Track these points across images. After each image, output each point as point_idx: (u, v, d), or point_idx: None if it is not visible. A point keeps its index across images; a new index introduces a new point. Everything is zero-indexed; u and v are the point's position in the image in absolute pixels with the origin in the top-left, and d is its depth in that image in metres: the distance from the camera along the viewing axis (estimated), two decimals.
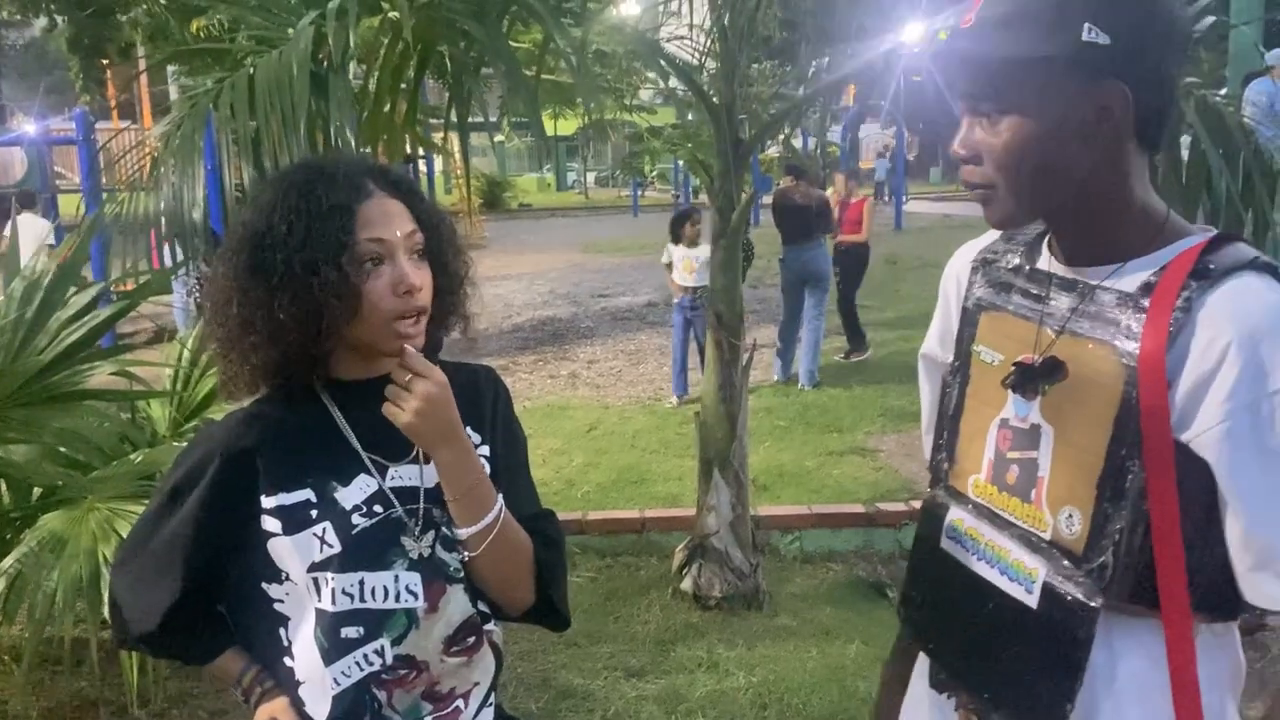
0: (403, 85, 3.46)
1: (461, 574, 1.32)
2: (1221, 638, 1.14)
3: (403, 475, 1.32)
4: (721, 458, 4.01)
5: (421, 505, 1.31)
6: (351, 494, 1.29)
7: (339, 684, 1.29)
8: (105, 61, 20.82)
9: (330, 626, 1.28)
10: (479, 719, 1.38)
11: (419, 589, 1.29)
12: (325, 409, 1.32)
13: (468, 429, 1.32)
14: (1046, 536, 1.16)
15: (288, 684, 1.34)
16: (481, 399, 1.41)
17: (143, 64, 17.47)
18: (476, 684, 1.37)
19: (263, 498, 1.29)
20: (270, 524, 1.29)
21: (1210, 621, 1.11)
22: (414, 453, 1.32)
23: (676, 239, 7.38)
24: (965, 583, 1.25)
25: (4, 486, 3.20)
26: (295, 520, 1.28)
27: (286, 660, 1.34)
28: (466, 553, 1.31)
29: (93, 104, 19.46)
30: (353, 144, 2.75)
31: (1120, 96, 1.08)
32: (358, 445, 1.31)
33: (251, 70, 2.81)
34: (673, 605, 4.03)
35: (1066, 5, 1.07)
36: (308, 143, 2.62)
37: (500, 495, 1.32)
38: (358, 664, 1.29)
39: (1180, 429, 1.06)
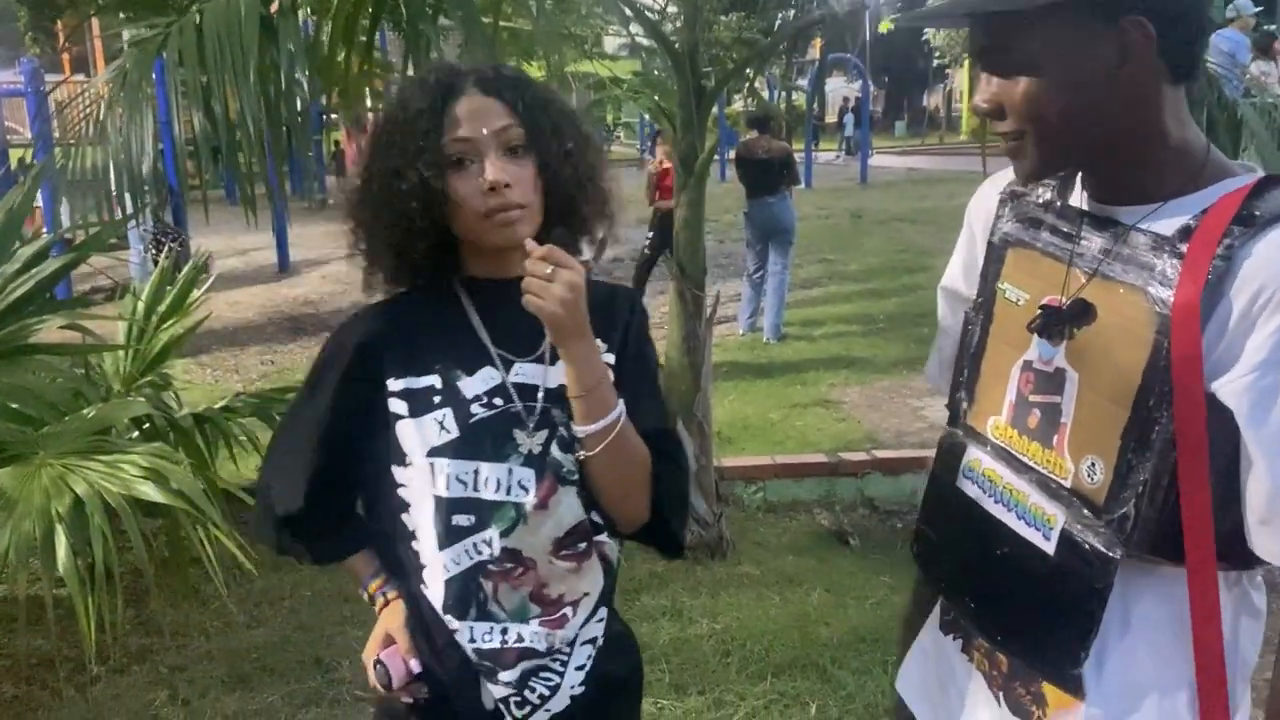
0: (361, 37, 3.39)
1: (576, 477, 1.33)
2: (1238, 588, 1.12)
3: (526, 373, 1.35)
4: (685, 409, 4.00)
5: (540, 403, 1.34)
6: (474, 384, 1.33)
7: (449, 570, 1.33)
8: (53, 13, 20.25)
9: (444, 513, 1.32)
10: (585, 630, 1.39)
11: (531, 485, 1.31)
12: (459, 304, 1.36)
13: (596, 340, 1.32)
14: (1067, 484, 1.13)
15: (412, 570, 1.37)
16: (615, 314, 1.41)
17: (92, 13, 17.05)
18: (585, 594, 1.38)
19: (390, 380, 1.33)
20: (397, 406, 1.33)
21: (1227, 571, 1.09)
22: (538, 352, 1.35)
23: None
24: (980, 524, 1.22)
25: None
26: (419, 404, 1.32)
27: (413, 544, 1.37)
28: (584, 452, 1.30)
29: (42, 56, 18.95)
30: (305, 92, 2.68)
31: (1141, 33, 1.03)
32: (486, 339, 1.35)
33: (198, 16, 2.72)
34: (638, 554, 4.03)
35: None
36: (259, 90, 2.55)
37: (620, 405, 1.31)
38: (466, 552, 1.32)
39: (1210, 378, 1.02)
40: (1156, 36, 1.04)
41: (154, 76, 3.03)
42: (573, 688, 1.39)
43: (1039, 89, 1.06)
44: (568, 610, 1.37)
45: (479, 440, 1.31)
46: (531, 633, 1.34)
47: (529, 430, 1.32)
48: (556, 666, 1.37)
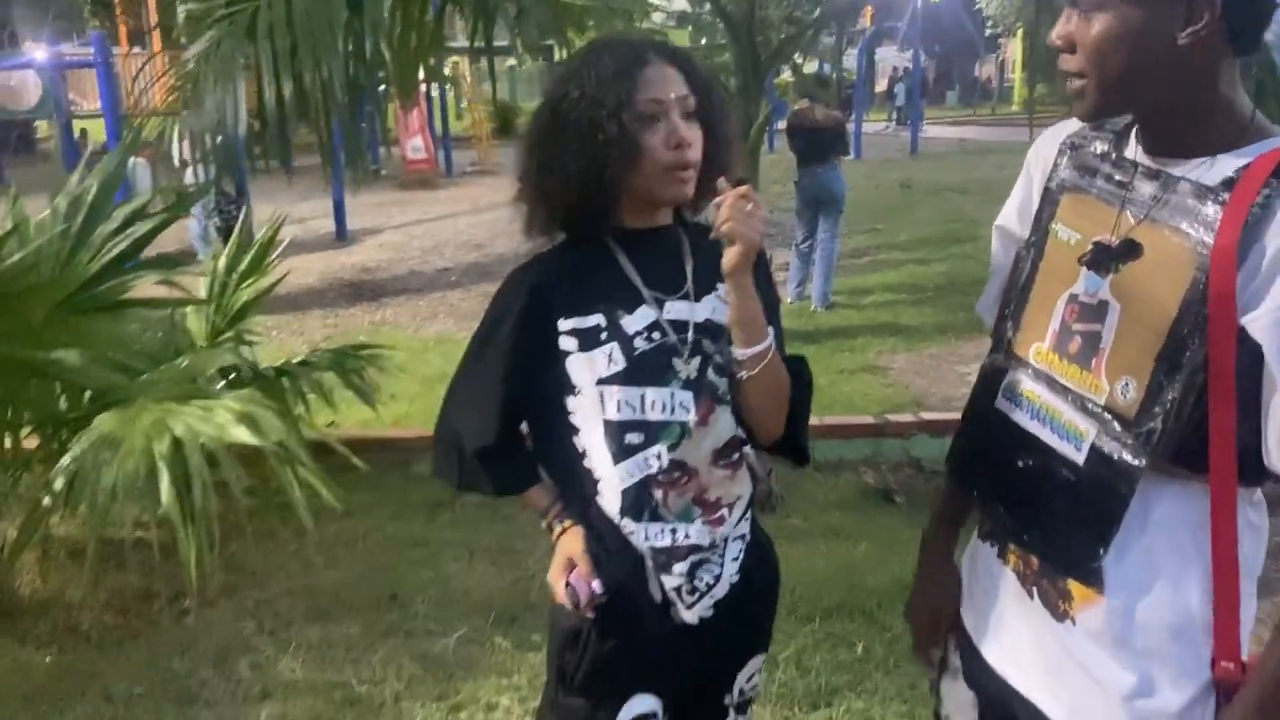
0: (422, 15, 3.55)
1: (729, 397, 1.54)
2: (1245, 502, 1.25)
3: (676, 310, 1.54)
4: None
5: (691, 335, 1.53)
6: (634, 322, 1.52)
7: (624, 481, 1.53)
8: None
9: (616, 433, 1.52)
10: (739, 526, 1.61)
11: (691, 405, 1.51)
12: (612, 254, 1.54)
13: (718, 282, 1.53)
14: (1101, 401, 1.25)
15: (587, 484, 1.57)
16: None
17: None
18: (739, 497, 1.59)
19: (560, 321, 1.52)
20: (567, 343, 1.52)
21: (1242, 486, 1.22)
22: (683, 291, 1.55)
23: None
24: (1015, 437, 1.36)
25: (59, 389, 3.38)
26: (588, 340, 1.51)
27: (584, 463, 1.57)
28: (744, 373, 1.50)
29: (102, 29, 19.37)
30: (388, 62, 2.86)
31: (1209, 7, 1.14)
32: (639, 282, 1.54)
33: None
34: None
35: None
36: (343, 59, 2.72)
37: (770, 331, 1.52)
38: (639, 465, 1.52)
39: (1242, 313, 1.14)
40: (1223, 11, 1.15)
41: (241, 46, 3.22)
42: (731, 576, 1.60)
43: (1108, 35, 1.19)
44: (725, 511, 1.58)
45: (643, 369, 1.51)
46: (697, 530, 1.55)
47: (685, 358, 1.52)
48: (717, 559, 1.59)
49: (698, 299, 1.54)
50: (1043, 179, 1.43)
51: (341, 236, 11.54)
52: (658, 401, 1.51)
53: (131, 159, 4.50)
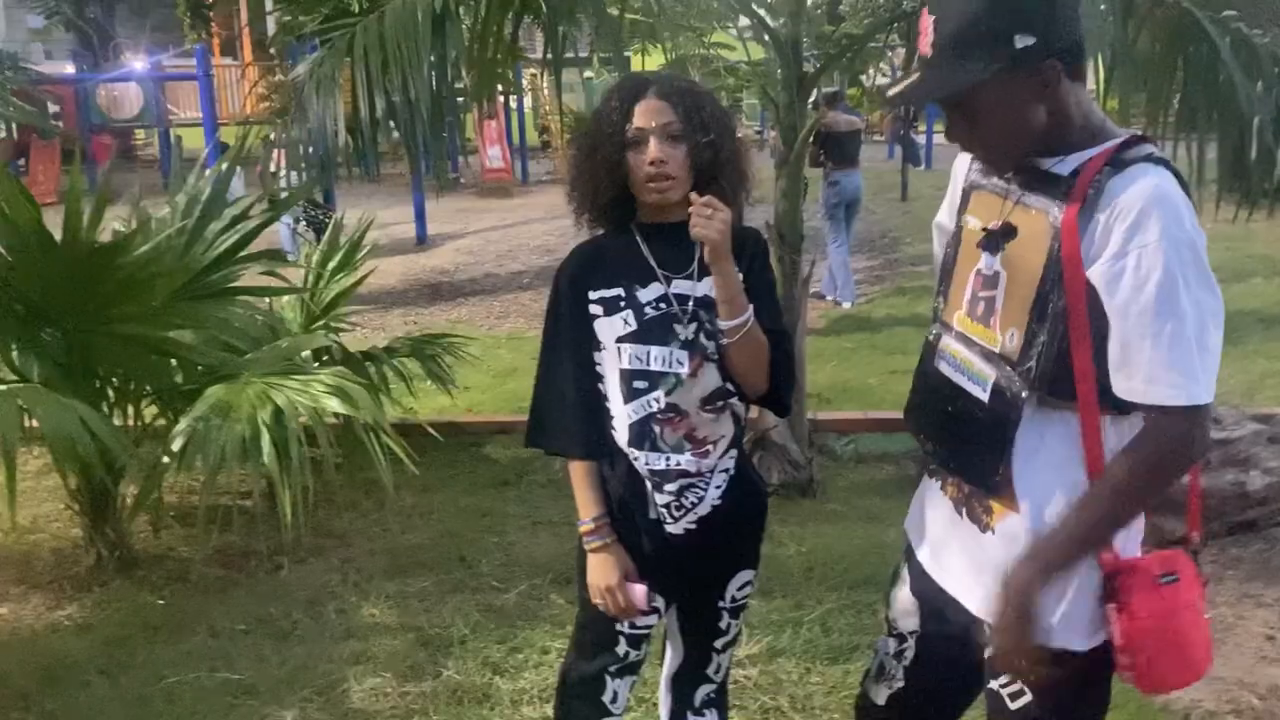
0: (499, 29, 3.93)
1: (716, 356, 1.92)
2: (1117, 426, 1.55)
3: (681, 286, 1.93)
4: None
5: (691, 307, 1.92)
6: (647, 294, 1.93)
7: (631, 418, 1.94)
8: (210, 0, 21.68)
9: (627, 379, 1.93)
10: (721, 462, 1.98)
11: (685, 361, 1.91)
12: (634, 241, 1.96)
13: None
14: (996, 350, 1.59)
15: (609, 420, 1.97)
16: (744, 246, 1.94)
17: (244, 3, 18.22)
18: (722, 436, 1.97)
19: (590, 292, 1.95)
20: (595, 310, 1.95)
21: (1109, 412, 1.53)
22: (688, 271, 1.93)
23: None
24: (945, 387, 1.71)
25: (175, 365, 3.84)
26: (610, 306, 1.94)
27: (607, 404, 1.98)
28: (725, 340, 1.89)
29: (199, 41, 20.32)
30: (464, 79, 3.24)
31: (1053, 68, 1.48)
32: (653, 263, 1.94)
33: (382, 13, 3.31)
34: None
35: (997, 23, 1.48)
36: (429, 77, 3.11)
37: (750, 307, 1.89)
38: (643, 405, 1.93)
39: (1086, 268, 1.47)
40: (1062, 62, 1.50)
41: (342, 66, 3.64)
42: (714, 500, 1.98)
43: (996, 128, 1.55)
44: (710, 447, 1.96)
45: (650, 331, 1.91)
46: (686, 460, 1.94)
47: (683, 323, 1.91)
48: (702, 485, 1.97)
49: (700, 279, 1.92)
50: (961, 182, 1.78)
51: (422, 240, 12.06)
52: (660, 356, 1.92)
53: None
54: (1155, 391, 1.45)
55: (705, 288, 1.91)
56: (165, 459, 3.40)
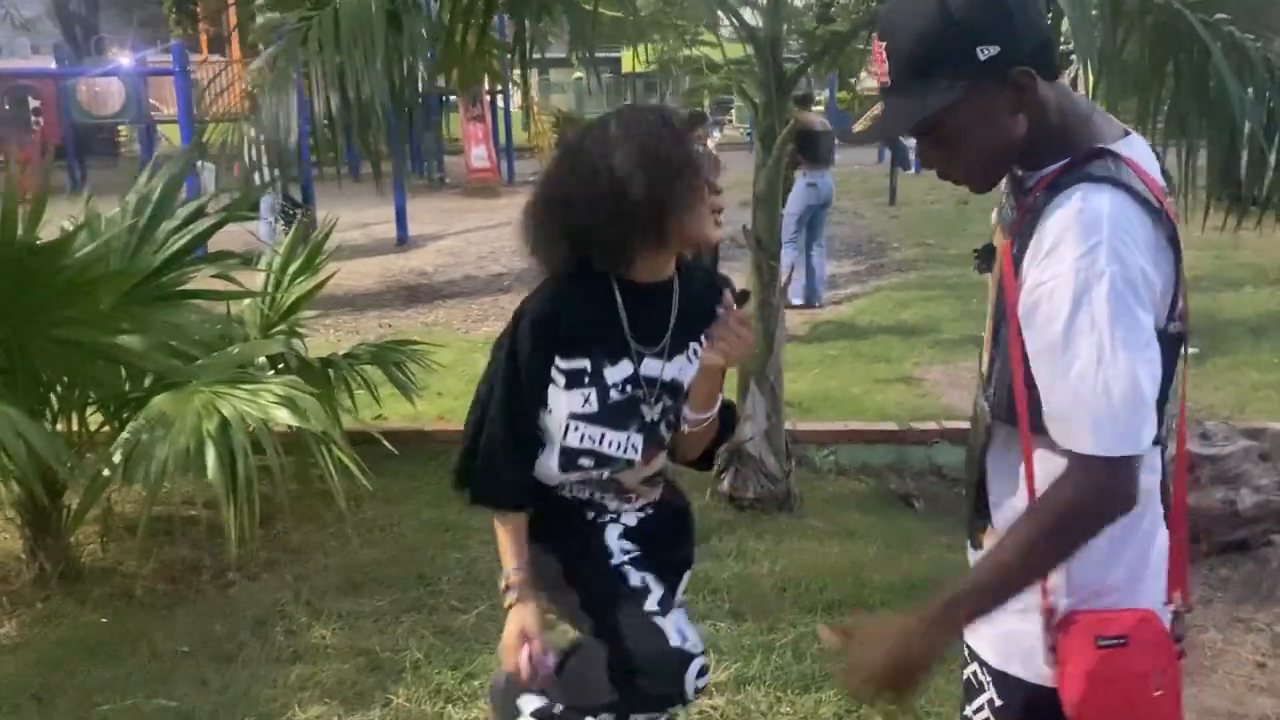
0: (474, 20, 3.78)
1: (668, 443, 1.88)
2: (1046, 455, 1.40)
3: (650, 367, 1.81)
4: (758, 372, 4.32)
5: (658, 390, 1.82)
6: (615, 373, 1.78)
7: (563, 479, 1.87)
8: None
9: (570, 456, 1.83)
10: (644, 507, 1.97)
11: (640, 448, 1.82)
12: (611, 300, 1.78)
13: (691, 342, 1.84)
14: (983, 372, 1.53)
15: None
16: (711, 305, 1.79)
17: (231, 2, 18.04)
18: (652, 498, 1.98)
19: (557, 358, 1.77)
20: (557, 377, 1.78)
21: (1037, 442, 1.40)
22: (659, 347, 1.81)
23: None
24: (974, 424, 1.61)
25: (123, 372, 3.67)
26: (573, 380, 1.78)
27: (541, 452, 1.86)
28: (687, 427, 1.84)
29: (184, 37, 20.11)
30: (424, 77, 3.08)
31: (1024, 73, 1.34)
32: (629, 335, 1.79)
33: (336, 8, 3.16)
34: (710, 504, 4.39)
35: (953, 39, 1.33)
36: (384, 74, 2.96)
37: (720, 396, 1.82)
38: (581, 478, 1.87)
39: (1017, 295, 1.37)
40: (1035, 69, 1.34)
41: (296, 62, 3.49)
42: (634, 516, 1.96)
43: (969, 152, 1.41)
44: (635, 495, 1.94)
45: (610, 416, 1.79)
46: (610, 499, 1.91)
47: (649, 406, 1.81)
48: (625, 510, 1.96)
49: (670, 357, 1.81)
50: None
51: (402, 241, 11.90)
52: (615, 442, 1.81)
53: (200, 162, 4.80)
54: (1070, 436, 1.33)
55: (674, 370, 1.82)
56: (105, 471, 3.23)
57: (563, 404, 1.78)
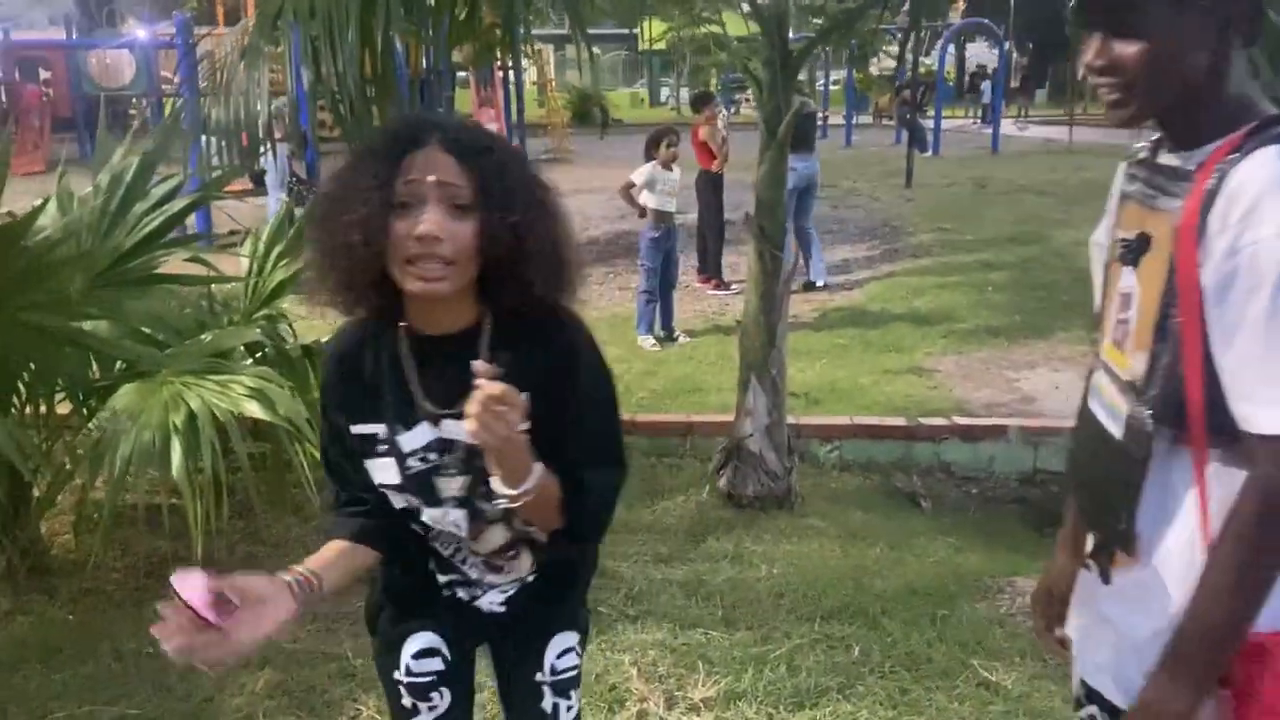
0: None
1: (499, 516, 1.57)
2: (1224, 469, 1.26)
3: (450, 429, 1.49)
4: (760, 366, 4.15)
5: (463, 455, 1.50)
6: (412, 439, 1.51)
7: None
8: None
9: (405, 515, 1.60)
10: (515, 582, 1.71)
11: (464, 525, 1.57)
12: (399, 359, 1.50)
13: (523, 394, 1.36)
14: (1126, 377, 1.36)
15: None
16: (550, 361, 1.49)
17: None
18: (522, 570, 1.69)
19: (351, 423, 1.55)
20: (355, 443, 1.56)
21: (1213, 452, 1.26)
22: (459, 407, 1.39)
23: (650, 157, 7.20)
24: (1092, 428, 1.46)
25: (92, 359, 3.52)
26: (369, 447, 1.54)
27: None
28: (503, 504, 1.45)
29: (199, 8, 19.93)
30: (401, 54, 2.90)
31: (1236, 9, 1.26)
32: (421, 397, 1.50)
33: None
34: (708, 503, 4.23)
35: None
36: (355, 51, 2.78)
37: (537, 467, 1.40)
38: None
39: (1200, 272, 1.23)
40: (1246, 23, 1.27)
41: (292, 34, 3.30)
42: (492, 604, 1.71)
43: (1151, 55, 1.27)
44: (505, 565, 1.68)
45: (416, 487, 1.54)
46: (471, 567, 1.67)
47: (452, 477, 1.52)
48: (481, 589, 1.70)
49: None
50: (1116, 194, 1.52)
51: None
52: (433, 516, 1.57)
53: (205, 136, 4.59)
54: (1264, 416, 1.19)
55: None
56: (68, 464, 3.08)
57: (373, 471, 1.54)
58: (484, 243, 1.39)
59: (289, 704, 2.86)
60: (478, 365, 1.32)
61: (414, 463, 1.52)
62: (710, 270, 8.71)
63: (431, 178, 1.36)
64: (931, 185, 14.66)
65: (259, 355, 3.75)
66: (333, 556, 1.56)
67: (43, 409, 3.57)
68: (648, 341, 7.00)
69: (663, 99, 40.52)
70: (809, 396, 5.65)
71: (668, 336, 7.17)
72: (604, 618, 3.24)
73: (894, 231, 11.21)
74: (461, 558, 1.66)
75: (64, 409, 3.66)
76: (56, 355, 3.40)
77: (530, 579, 1.71)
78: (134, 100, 19.43)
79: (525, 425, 1.35)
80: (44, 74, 18.66)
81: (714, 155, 8.29)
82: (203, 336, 3.49)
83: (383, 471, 1.54)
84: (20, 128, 17.31)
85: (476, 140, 1.44)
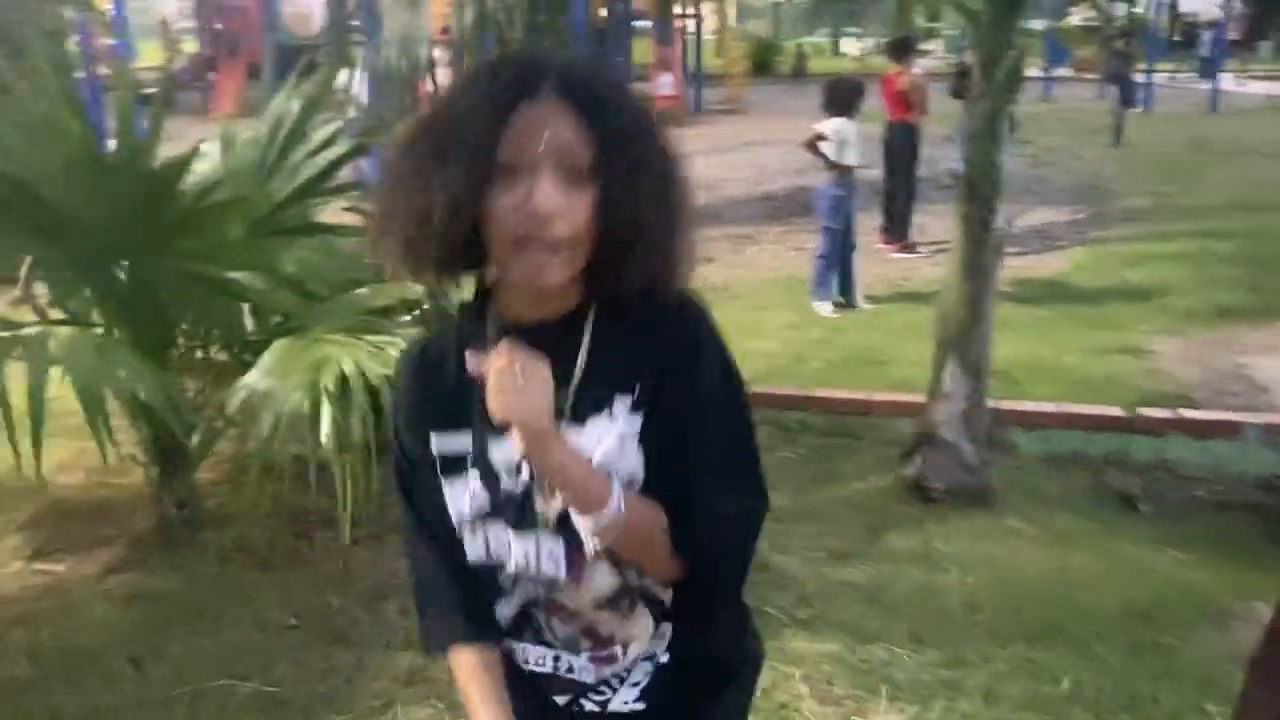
0: None
1: (602, 549, 1.19)
2: None
3: None
4: (960, 343, 3.68)
5: None
6: (506, 449, 1.17)
7: (510, 597, 1.25)
8: None
9: (488, 571, 1.23)
10: (638, 669, 1.29)
11: (561, 559, 1.18)
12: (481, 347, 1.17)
13: (615, 395, 1.14)
14: None
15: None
16: (666, 356, 1.18)
17: None
18: (636, 639, 1.27)
19: (432, 434, 1.22)
20: (438, 463, 1.22)
21: None
22: (562, 408, 1.15)
23: (844, 111, 6.56)
24: None
25: (247, 311, 3.39)
26: (450, 466, 1.21)
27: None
28: (594, 540, 1.15)
29: None
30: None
31: None
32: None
33: None
34: (890, 493, 3.81)
35: None
36: None
37: (615, 487, 1.12)
38: (516, 593, 1.25)
39: None
40: None
41: None
42: (626, 703, 1.29)
43: None
44: (617, 649, 1.26)
45: (509, 510, 1.19)
46: (581, 666, 1.27)
47: (547, 496, 1.16)
48: (607, 692, 1.29)
49: (582, 421, 1.15)
50: None
51: None
52: (524, 549, 1.19)
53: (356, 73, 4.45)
54: None
55: (592, 437, 1.15)
56: (219, 424, 2.95)
57: (451, 503, 1.21)
58: (604, 221, 1.09)
59: (427, 692, 2.66)
60: (471, 363, 1.11)
61: (506, 479, 1.18)
62: (897, 232, 8.09)
63: (546, 135, 1.06)
64: (1144, 143, 13.48)
65: (416, 314, 3.55)
66: (492, 687, 1.26)
67: (201, 356, 3.48)
68: (825, 307, 6.53)
69: (840, 50, 38.94)
70: (1007, 375, 5.10)
71: (848, 303, 6.67)
72: (771, 621, 2.91)
73: (1101, 194, 10.28)
74: (553, 636, 1.27)
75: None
76: (213, 305, 3.29)
77: (664, 659, 1.30)
78: (320, 49, 20.04)
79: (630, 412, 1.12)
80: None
81: (911, 106, 7.66)
82: (357, 291, 3.30)
83: (463, 497, 1.20)
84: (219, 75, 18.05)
85: (600, 89, 1.12)
